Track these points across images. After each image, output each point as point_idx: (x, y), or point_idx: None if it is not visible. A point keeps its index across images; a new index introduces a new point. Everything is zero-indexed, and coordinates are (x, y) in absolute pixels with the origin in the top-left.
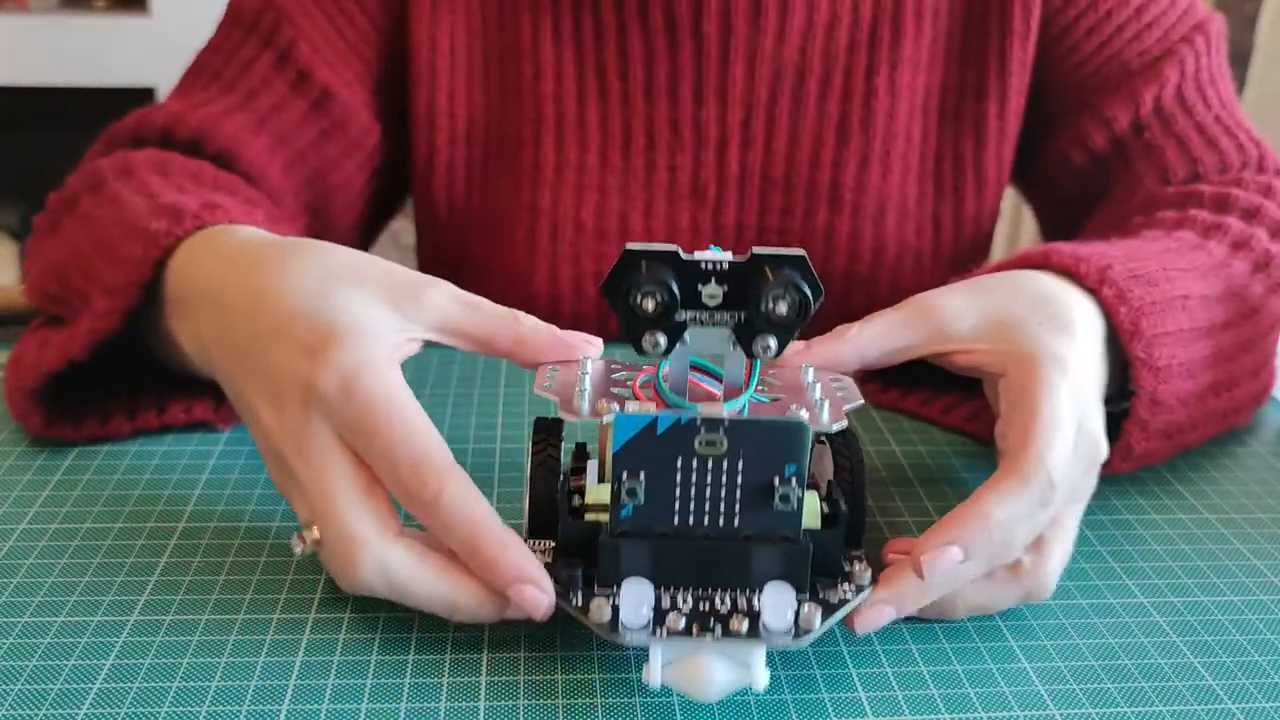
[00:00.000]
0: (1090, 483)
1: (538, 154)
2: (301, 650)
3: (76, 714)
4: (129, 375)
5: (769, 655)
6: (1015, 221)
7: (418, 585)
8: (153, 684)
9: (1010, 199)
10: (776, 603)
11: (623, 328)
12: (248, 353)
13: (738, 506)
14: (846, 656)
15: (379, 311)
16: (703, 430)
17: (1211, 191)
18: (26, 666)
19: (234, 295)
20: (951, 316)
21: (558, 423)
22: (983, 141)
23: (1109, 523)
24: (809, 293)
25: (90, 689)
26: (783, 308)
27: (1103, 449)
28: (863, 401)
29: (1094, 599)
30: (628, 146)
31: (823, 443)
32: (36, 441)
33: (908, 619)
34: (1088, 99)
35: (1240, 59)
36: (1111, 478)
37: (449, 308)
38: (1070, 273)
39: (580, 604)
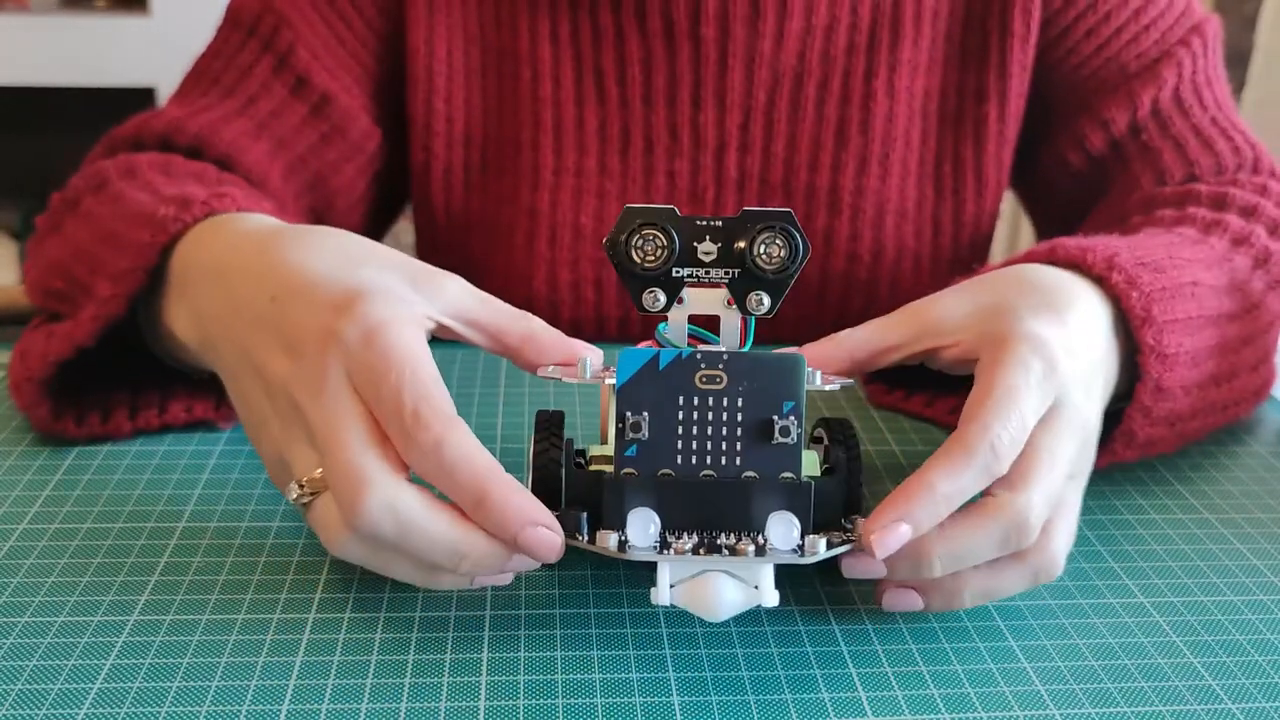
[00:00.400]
0: (1087, 460)
1: (536, 158)
2: (301, 650)
3: (76, 714)
4: (131, 375)
5: (779, 613)
6: (1015, 224)
7: (427, 526)
8: (153, 684)
9: (1009, 201)
10: (781, 527)
11: (624, 284)
12: (262, 315)
13: (739, 445)
14: (846, 656)
15: (403, 287)
16: (703, 365)
17: (1209, 190)
18: (26, 666)
19: (247, 268)
20: (940, 312)
21: (559, 415)
22: (982, 144)
23: (1109, 523)
24: (796, 235)
25: (90, 689)
26: (773, 251)
27: (1092, 424)
28: (854, 381)
29: (1094, 599)
30: (626, 151)
31: (819, 440)
32: (36, 441)
33: (907, 617)
34: (1086, 101)
35: (1240, 59)
36: (1111, 477)
37: (465, 297)
38: (1076, 263)
39: (587, 539)
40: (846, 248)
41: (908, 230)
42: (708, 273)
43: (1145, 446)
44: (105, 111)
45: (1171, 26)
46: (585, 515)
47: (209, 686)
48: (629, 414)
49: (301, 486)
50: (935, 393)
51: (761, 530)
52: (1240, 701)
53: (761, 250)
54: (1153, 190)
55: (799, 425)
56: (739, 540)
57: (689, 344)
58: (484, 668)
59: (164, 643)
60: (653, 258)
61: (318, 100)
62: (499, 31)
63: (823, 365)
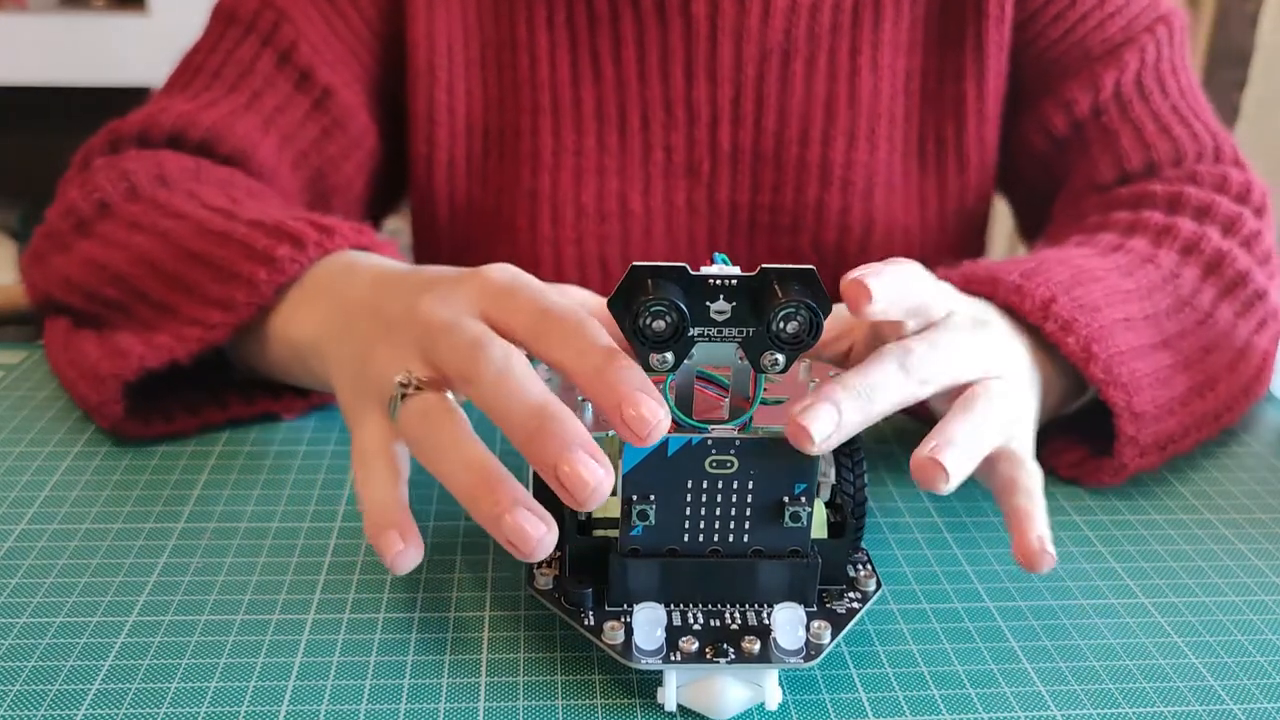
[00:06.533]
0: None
1: (536, 141)
2: (301, 650)
3: (75, 714)
4: (188, 376)
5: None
6: None
7: (529, 378)
8: (152, 684)
9: None
10: (787, 623)
11: (630, 345)
12: (408, 283)
13: (747, 524)
14: (847, 657)
15: None
16: (714, 451)
17: (1164, 191)
18: (25, 667)
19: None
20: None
21: None
22: (962, 123)
23: (1110, 523)
24: (819, 311)
25: (89, 689)
26: (792, 327)
27: (988, 322)
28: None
29: (1095, 599)
30: (623, 128)
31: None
32: (35, 442)
33: (907, 617)
34: (1050, 84)
35: (1240, 59)
36: None
37: (580, 297)
38: (1013, 308)
39: (592, 623)
40: (838, 220)
41: (896, 204)
42: (720, 331)
43: (1134, 472)
44: (104, 110)
45: (1138, 15)
46: (590, 593)
47: (208, 687)
48: (635, 498)
49: (408, 379)
50: None
51: (767, 602)
52: (1242, 702)
53: (781, 326)
54: (1112, 184)
55: (810, 506)
56: (744, 628)
57: (697, 381)
58: (484, 668)
59: (163, 643)
60: (661, 334)
61: (320, 95)
62: (497, 22)
63: None
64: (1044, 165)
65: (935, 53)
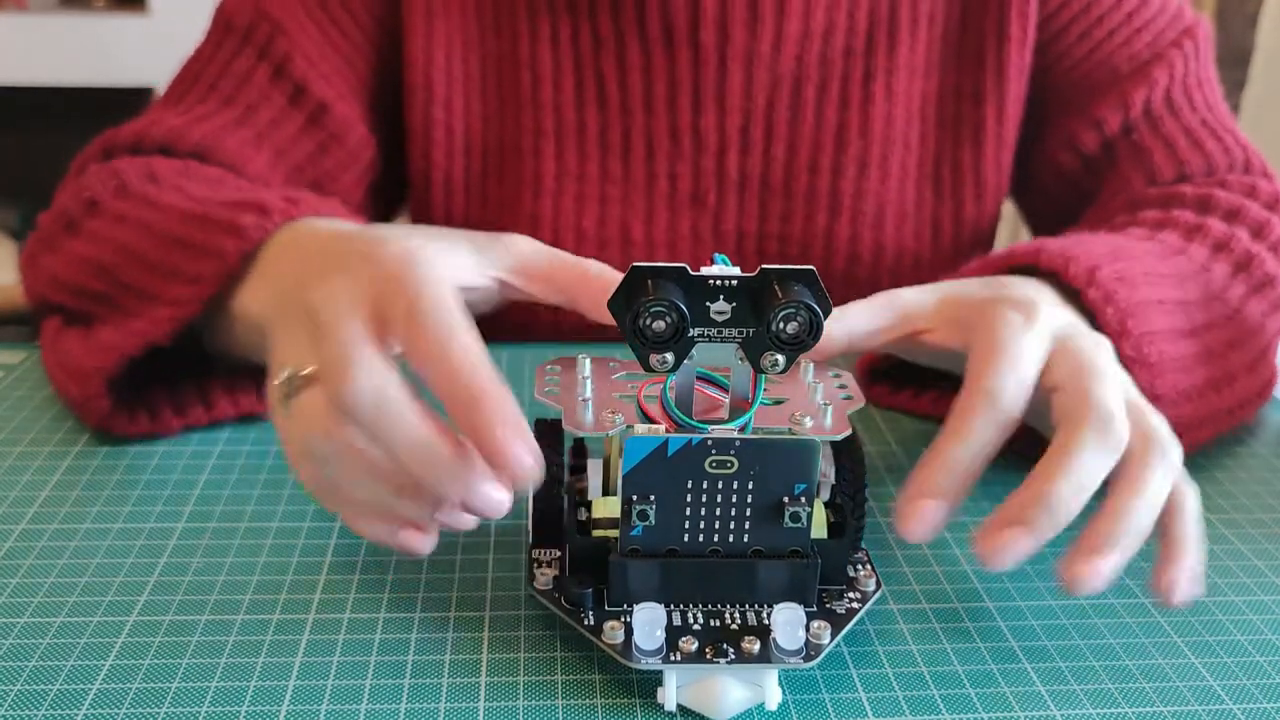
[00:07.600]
0: (1105, 367)
1: (538, 163)
2: (301, 650)
3: (75, 714)
4: (168, 372)
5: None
6: (1015, 226)
7: (405, 413)
8: (152, 684)
9: (1011, 205)
10: (787, 623)
11: (630, 346)
12: (326, 252)
13: (747, 524)
14: (847, 657)
15: (459, 250)
16: (714, 451)
17: (1194, 192)
18: (26, 667)
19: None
20: (910, 296)
21: (558, 424)
22: (981, 147)
23: None
24: (819, 311)
25: (89, 689)
26: (792, 327)
27: (1107, 344)
28: (864, 403)
29: (1095, 599)
30: (628, 155)
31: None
32: (35, 442)
33: (907, 617)
34: (1077, 102)
35: (1240, 59)
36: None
37: (530, 253)
38: (1058, 272)
39: (592, 623)
40: (847, 249)
41: (908, 231)
42: (720, 332)
43: None
44: (104, 111)
45: (1163, 30)
46: (590, 593)
47: (208, 687)
48: (635, 498)
49: (291, 377)
50: (941, 392)
51: (767, 602)
52: (1241, 702)
53: (781, 326)
54: (1141, 190)
55: (809, 506)
56: (744, 628)
57: (697, 382)
58: (484, 668)
59: (163, 643)
60: (661, 334)
61: (315, 109)
62: (498, 37)
63: (823, 349)
64: (1072, 182)
65: (953, 75)
